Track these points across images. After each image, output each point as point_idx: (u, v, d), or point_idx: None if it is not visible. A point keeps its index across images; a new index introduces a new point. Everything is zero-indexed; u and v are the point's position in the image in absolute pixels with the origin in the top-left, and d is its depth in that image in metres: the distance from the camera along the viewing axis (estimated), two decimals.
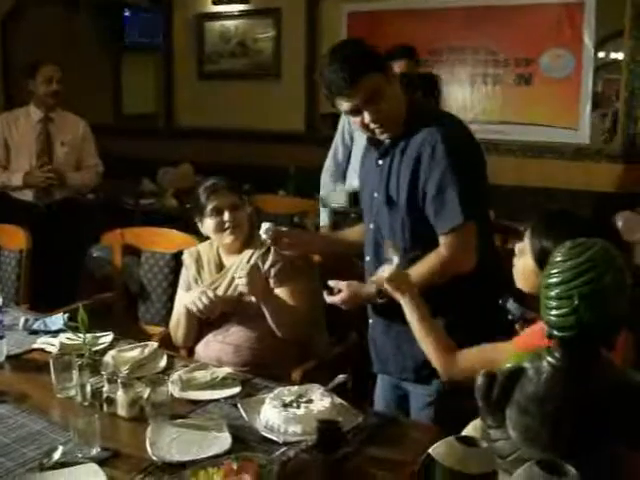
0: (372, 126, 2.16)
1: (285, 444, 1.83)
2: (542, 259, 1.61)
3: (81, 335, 2.28)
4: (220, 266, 2.72)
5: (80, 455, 1.79)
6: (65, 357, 2.14)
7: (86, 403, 2.04)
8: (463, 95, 5.18)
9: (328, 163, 3.92)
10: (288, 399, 2.00)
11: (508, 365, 1.37)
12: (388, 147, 2.23)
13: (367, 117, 2.14)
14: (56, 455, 1.78)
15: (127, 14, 6.84)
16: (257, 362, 2.53)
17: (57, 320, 2.64)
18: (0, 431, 1.92)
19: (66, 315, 2.67)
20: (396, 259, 2.05)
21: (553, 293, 1.28)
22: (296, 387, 2.09)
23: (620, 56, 4.71)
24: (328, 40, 5.51)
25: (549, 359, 1.31)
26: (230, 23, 5.94)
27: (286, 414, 1.92)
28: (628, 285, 1.28)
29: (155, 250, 3.26)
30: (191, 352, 2.69)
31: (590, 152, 4.82)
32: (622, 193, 4.49)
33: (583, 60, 4.79)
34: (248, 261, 2.59)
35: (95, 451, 1.80)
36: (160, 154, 5.90)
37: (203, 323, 2.63)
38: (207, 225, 2.67)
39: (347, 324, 2.80)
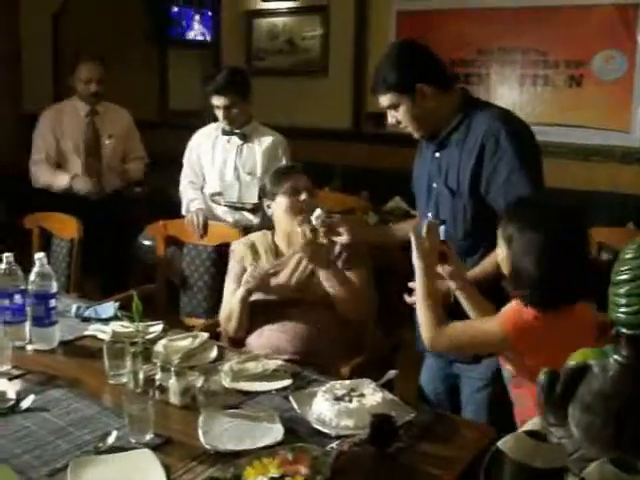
0: (398, 126, 2.33)
1: (337, 437, 1.82)
2: (509, 245, 1.85)
3: (134, 323, 2.30)
4: (277, 255, 2.75)
5: (134, 441, 1.81)
6: (118, 344, 2.16)
7: (139, 390, 2.05)
8: (512, 96, 5.12)
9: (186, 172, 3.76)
10: (340, 393, 2.00)
11: (572, 362, 1.35)
12: (443, 140, 2.30)
13: (389, 119, 2.34)
14: (110, 439, 1.80)
15: (175, 9, 6.90)
16: (310, 352, 2.55)
17: (108, 308, 2.67)
18: (55, 414, 1.95)
19: (117, 303, 2.70)
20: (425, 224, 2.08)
21: (623, 290, 1.26)
22: (348, 381, 2.09)
23: None
24: (376, 39, 5.51)
25: (616, 357, 1.29)
26: (278, 20, 5.95)
27: (338, 407, 1.92)
28: None
29: (198, 242, 3.36)
30: (236, 343, 2.71)
31: None
32: None
33: (637, 62, 4.71)
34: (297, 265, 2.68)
35: (148, 437, 1.82)
36: None
37: (258, 314, 2.65)
38: (279, 203, 2.70)
39: (396, 320, 2.80)
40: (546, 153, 4.84)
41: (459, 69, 5.31)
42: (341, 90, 5.60)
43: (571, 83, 4.97)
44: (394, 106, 2.28)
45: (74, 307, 2.70)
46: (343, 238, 2.56)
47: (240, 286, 2.65)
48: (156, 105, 7.10)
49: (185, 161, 3.69)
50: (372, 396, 1.99)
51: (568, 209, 1.91)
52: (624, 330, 1.27)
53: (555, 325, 1.80)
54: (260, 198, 2.94)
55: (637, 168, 4.71)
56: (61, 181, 3.93)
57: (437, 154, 2.33)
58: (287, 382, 2.17)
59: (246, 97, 3.48)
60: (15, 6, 6.06)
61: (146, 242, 4.16)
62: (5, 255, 2.38)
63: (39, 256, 2.36)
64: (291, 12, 5.89)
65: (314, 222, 2.53)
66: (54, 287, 2.39)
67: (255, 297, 2.65)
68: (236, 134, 3.51)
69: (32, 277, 2.35)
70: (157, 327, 2.55)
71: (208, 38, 6.45)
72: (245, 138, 3.53)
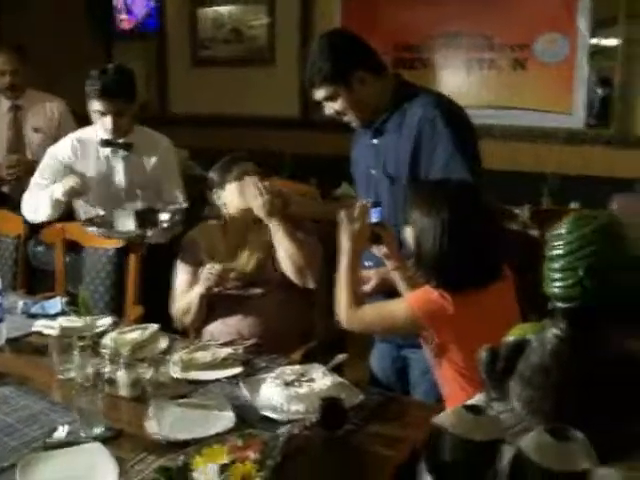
0: (336, 116, 2.33)
1: (288, 422, 1.83)
2: (412, 228, 1.93)
3: (81, 318, 2.29)
4: (230, 241, 2.76)
5: (84, 435, 1.79)
6: (65, 339, 2.14)
7: (88, 384, 2.03)
8: (458, 80, 5.17)
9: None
10: (290, 378, 2.02)
11: (511, 337, 1.38)
12: (379, 126, 2.32)
13: (326, 110, 2.33)
14: (60, 435, 1.79)
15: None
16: (270, 336, 2.59)
17: (55, 304, 2.64)
18: (3, 412, 1.93)
19: (64, 299, 2.67)
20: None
21: (557, 265, 1.29)
22: (297, 366, 2.11)
23: (615, 42, 4.71)
24: (322, 25, 5.51)
25: (554, 330, 1.32)
26: (223, 9, 5.91)
27: (288, 393, 1.93)
28: (634, 257, 1.29)
29: (98, 246, 3.03)
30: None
31: (584, 137, 4.83)
32: (615, 178, 4.50)
33: (577, 45, 4.79)
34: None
35: (98, 430, 1.81)
36: None
37: (216, 302, 2.67)
38: (230, 190, 2.70)
39: None
40: (493, 136, 4.99)
41: (406, 54, 5.35)
42: (288, 78, 5.59)
43: (515, 66, 5.03)
44: (332, 97, 2.28)
45: (20, 304, 2.66)
46: (291, 206, 2.60)
47: (194, 278, 2.68)
48: None
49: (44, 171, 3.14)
50: (321, 380, 2.01)
51: (464, 189, 1.97)
52: (560, 304, 1.30)
53: (466, 303, 1.85)
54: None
55: (580, 149, 4.79)
56: None
57: (374, 141, 2.35)
58: (237, 370, 2.18)
59: (133, 102, 3.07)
60: None
61: (39, 248, 3.44)
62: None
63: None
64: (236, 0, 5.85)
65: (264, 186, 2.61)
66: None
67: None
68: (118, 145, 3.08)
69: None
70: (106, 320, 2.53)
71: (153, 29, 6.36)
72: (130, 147, 3.10)
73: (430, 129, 2.18)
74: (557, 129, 4.91)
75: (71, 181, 2.92)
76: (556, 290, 1.29)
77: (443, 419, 1.09)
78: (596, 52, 4.85)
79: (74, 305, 2.47)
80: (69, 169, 3.07)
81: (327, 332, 2.74)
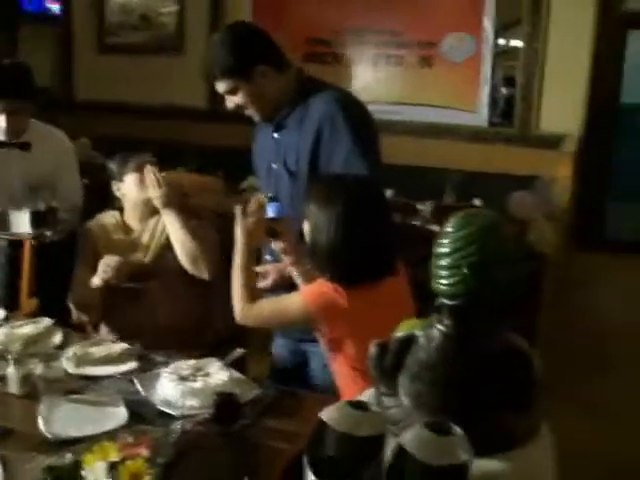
0: (237, 109, 2.32)
1: (182, 417, 1.82)
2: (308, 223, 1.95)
3: None
4: (128, 233, 2.75)
5: None
6: None
7: None
8: (367, 75, 5.22)
9: None
10: (185, 373, 2.00)
11: (400, 333, 1.41)
12: (281, 121, 2.32)
13: (228, 104, 2.32)
14: None
15: None
16: (169, 328, 2.58)
17: None
18: None
19: None
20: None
21: (443, 262, 1.32)
22: (193, 361, 2.08)
23: (518, 43, 4.85)
24: (232, 16, 5.46)
25: (439, 327, 1.35)
26: None
27: (183, 387, 1.92)
28: (514, 255, 1.33)
29: None
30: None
31: (487, 135, 4.96)
32: (517, 175, 4.64)
33: (483, 45, 4.91)
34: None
35: None
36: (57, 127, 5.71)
37: (115, 297, 2.63)
38: (128, 181, 2.71)
39: None
40: (399, 132, 5.05)
41: (317, 48, 5.36)
42: (197, 68, 5.50)
43: (423, 64, 5.11)
44: (233, 90, 2.27)
45: None
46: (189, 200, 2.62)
47: (92, 270, 2.62)
48: None
49: None
50: (217, 375, 2.00)
51: (360, 183, 2.00)
52: (445, 301, 1.33)
53: (359, 298, 1.88)
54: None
55: (483, 147, 4.92)
56: None
57: (276, 135, 2.35)
58: (132, 365, 2.14)
59: (31, 100, 2.84)
60: None
61: None
62: None
63: None
64: None
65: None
66: None
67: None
68: (14, 145, 2.86)
69: None
70: None
71: (58, 13, 6.17)
72: (27, 147, 2.89)
73: (330, 125, 2.19)
74: (462, 126, 5.02)
75: None
76: (442, 287, 1.32)
77: (327, 414, 1.10)
78: (500, 52, 5.00)
79: None
80: None
81: (226, 325, 2.73)
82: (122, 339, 2.36)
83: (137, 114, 5.70)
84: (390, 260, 1.95)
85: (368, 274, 1.89)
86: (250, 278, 2.05)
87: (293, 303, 1.97)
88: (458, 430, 1.11)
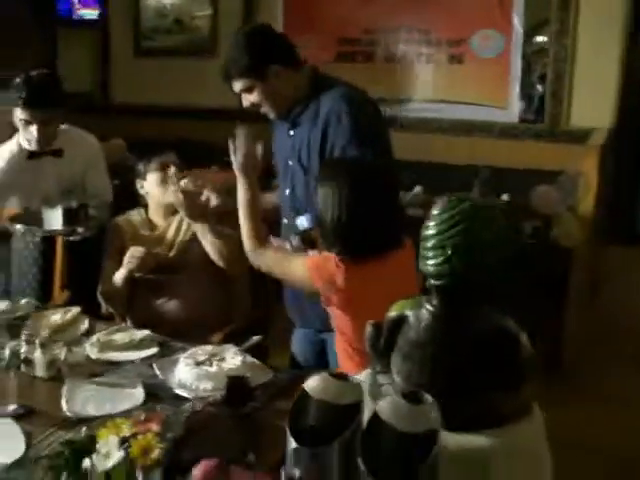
0: (252, 108, 2.41)
1: (196, 399, 1.91)
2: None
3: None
4: (152, 229, 2.86)
5: None
6: None
7: (3, 363, 2.08)
8: (396, 74, 5.27)
9: None
10: (201, 358, 2.08)
11: (392, 313, 1.47)
12: (296, 118, 2.41)
13: (244, 102, 2.42)
14: None
15: None
16: (194, 319, 2.69)
17: None
18: None
19: None
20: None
21: (429, 244, 1.37)
22: (210, 347, 2.17)
23: (547, 39, 4.85)
24: (264, 17, 5.56)
25: (428, 307, 1.41)
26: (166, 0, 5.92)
27: (198, 371, 2.00)
28: (504, 239, 1.38)
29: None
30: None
31: (517, 131, 4.97)
32: (546, 170, 4.64)
33: (513, 42, 4.92)
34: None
35: (12, 408, 1.86)
36: (96, 131, 5.87)
37: (142, 288, 2.75)
38: (151, 180, 2.81)
39: (268, 289, 2.90)
40: (430, 129, 5.08)
41: (346, 47, 5.42)
42: None
43: (453, 61, 5.14)
44: (248, 89, 2.36)
45: None
46: (212, 202, 2.67)
47: (119, 263, 2.74)
48: None
49: None
50: (232, 360, 2.08)
51: (360, 162, 2.11)
52: (433, 281, 1.39)
53: (363, 274, 1.94)
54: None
55: (513, 143, 4.93)
56: None
57: (291, 132, 2.44)
58: (153, 351, 2.24)
59: (60, 110, 2.94)
60: None
61: None
62: None
63: None
64: None
65: (184, 186, 2.66)
66: None
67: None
68: (47, 154, 2.98)
69: None
70: (28, 304, 2.56)
71: (96, 18, 6.34)
72: (60, 154, 3.01)
73: (335, 120, 2.27)
74: (492, 123, 5.03)
75: None
76: (428, 268, 1.38)
77: (309, 384, 1.17)
78: (530, 49, 5.01)
79: None
80: None
81: (247, 316, 2.83)
82: (147, 329, 2.46)
83: (171, 116, 5.83)
84: (393, 234, 2.01)
85: (372, 248, 1.95)
86: (256, 215, 2.18)
87: (298, 266, 2.07)
88: (429, 398, 1.17)
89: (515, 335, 1.43)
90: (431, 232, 1.38)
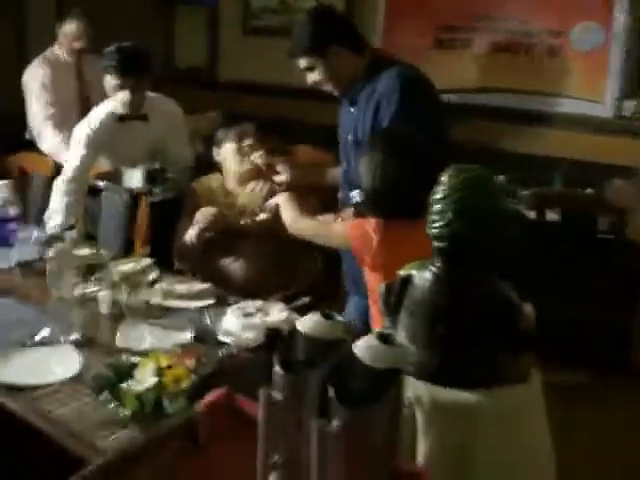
0: (315, 85, 2.56)
1: (234, 346, 2.08)
2: None
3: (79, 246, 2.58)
4: (227, 195, 3.06)
5: (62, 339, 2.07)
6: (60, 262, 2.43)
7: (73, 300, 2.32)
8: (491, 63, 5.28)
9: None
10: (249, 310, 2.25)
11: (401, 273, 1.59)
12: (355, 96, 2.53)
13: (308, 80, 2.56)
14: (39, 336, 2.07)
15: None
16: (258, 280, 2.88)
17: (67, 235, 2.92)
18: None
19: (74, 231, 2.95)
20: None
21: (434, 208, 1.49)
22: (259, 302, 2.34)
23: None
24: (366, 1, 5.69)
25: (431, 267, 1.52)
26: None
27: (243, 321, 2.17)
28: (503, 208, 1.48)
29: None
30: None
31: (612, 125, 4.89)
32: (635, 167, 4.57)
33: (613, 35, 4.85)
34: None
35: (74, 337, 2.08)
36: (201, 105, 6.14)
37: (213, 247, 2.94)
38: (227, 148, 3.01)
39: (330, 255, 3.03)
40: (525, 121, 5.07)
41: (445, 35, 5.47)
42: None
43: (550, 52, 5.11)
44: (311, 68, 2.51)
45: (35, 233, 2.96)
46: (282, 177, 2.82)
47: (190, 223, 2.94)
48: (161, 61, 7.33)
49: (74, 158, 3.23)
50: (277, 315, 2.24)
51: (397, 133, 2.23)
52: (436, 243, 1.50)
53: (391, 236, 2.06)
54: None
55: (605, 138, 4.86)
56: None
57: (351, 109, 2.58)
58: (209, 302, 2.43)
59: (146, 79, 3.23)
60: None
61: None
62: None
63: (2, 183, 2.62)
64: None
65: (255, 159, 2.82)
66: (13, 212, 2.65)
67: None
68: (134, 117, 3.25)
69: None
70: (108, 253, 2.80)
71: None
72: (146, 118, 3.29)
73: (387, 98, 2.39)
74: (587, 117, 4.98)
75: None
76: (432, 230, 1.50)
77: (301, 322, 1.31)
78: (631, 42, 4.91)
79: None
80: (92, 150, 3.20)
81: (309, 283, 2.98)
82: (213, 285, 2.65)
83: (272, 94, 6.03)
84: (424, 203, 2.11)
85: (403, 213, 2.05)
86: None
87: (338, 227, 2.25)
88: (400, 341, 1.28)
89: (514, 303, 1.52)
90: (437, 197, 1.49)
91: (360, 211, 2.35)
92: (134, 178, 3.07)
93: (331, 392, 1.16)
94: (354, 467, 1.13)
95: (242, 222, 2.95)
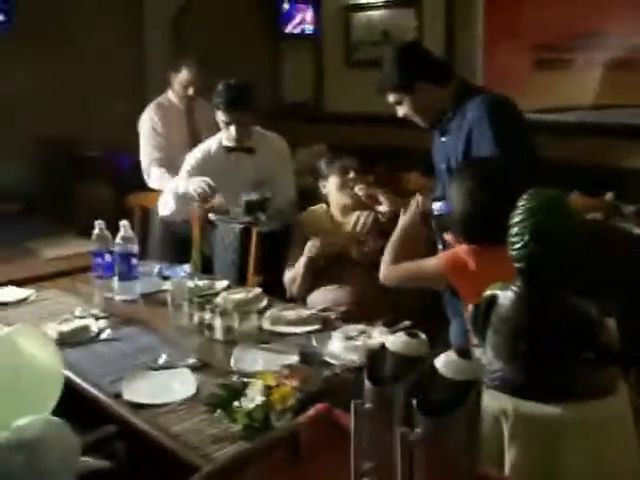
0: (406, 118, 2.69)
1: (338, 366, 2.21)
2: None
3: (196, 277, 2.79)
4: (333, 224, 3.24)
5: (179, 363, 2.27)
6: (178, 293, 2.65)
7: (191, 327, 2.52)
8: (595, 82, 5.24)
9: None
10: (352, 334, 2.39)
11: (486, 294, 1.68)
12: (444, 127, 2.66)
13: (398, 113, 2.70)
14: (161, 360, 2.27)
15: (286, 5, 7.36)
16: (359, 305, 3.03)
17: (183, 268, 3.16)
18: (125, 343, 2.47)
19: (191, 265, 3.19)
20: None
21: (512, 231, 1.59)
22: (362, 325, 2.47)
23: None
24: (465, 27, 5.78)
25: (513, 287, 1.62)
26: (375, 13, 6.31)
27: (346, 344, 2.31)
28: (574, 230, 1.55)
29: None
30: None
31: None
32: None
33: None
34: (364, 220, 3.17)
35: (190, 361, 2.28)
36: (308, 137, 6.36)
37: (319, 276, 3.12)
38: (332, 182, 3.19)
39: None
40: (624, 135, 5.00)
41: (545, 54, 5.48)
42: None
43: None
44: (399, 102, 2.65)
45: (156, 267, 3.21)
46: (382, 207, 2.96)
47: (300, 252, 3.12)
48: (270, 96, 7.64)
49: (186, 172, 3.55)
50: (378, 338, 2.36)
51: (482, 164, 2.31)
52: (516, 264, 1.59)
53: (485, 260, 2.11)
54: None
55: None
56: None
57: (443, 139, 2.71)
58: (315, 327, 2.58)
59: (252, 113, 3.49)
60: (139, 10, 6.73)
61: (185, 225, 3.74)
62: (97, 222, 2.93)
63: (123, 223, 2.88)
64: (387, 5, 6.22)
65: (357, 192, 2.97)
66: (135, 249, 2.90)
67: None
68: (242, 150, 3.53)
69: (118, 240, 2.88)
70: (222, 284, 3.01)
71: (313, 33, 6.91)
72: (251, 151, 3.55)
73: (478, 126, 2.50)
74: None
75: (204, 184, 3.32)
76: (512, 252, 1.59)
77: (389, 339, 1.43)
78: None
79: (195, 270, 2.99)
80: (199, 174, 3.44)
81: (412, 308, 3.07)
82: (322, 311, 2.81)
83: (378, 123, 6.18)
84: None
85: (494, 237, 2.12)
86: (401, 249, 2.41)
87: (430, 262, 2.30)
88: (475, 355, 1.38)
89: (594, 318, 1.59)
90: (515, 220, 1.59)
91: (442, 223, 2.43)
92: (239, 210, 3.30)
93: (414, 403, 1.27)
94: (437, 472, 1.24)
95: (349, 248, 3.10)
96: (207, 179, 3.33)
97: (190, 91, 4.29)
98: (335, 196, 3.20)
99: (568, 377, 1.58)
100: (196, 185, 3.33)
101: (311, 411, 1.71)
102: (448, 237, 2.45)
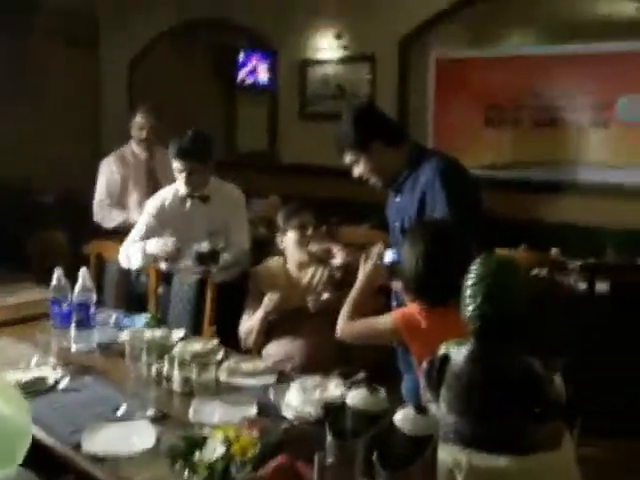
0: (362, 178, 2.79)
1: (296, 419, 2.26)
2: None
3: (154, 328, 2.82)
4: (289, 279, 3.27)
5: (138, 414, 2.29)
6: (136, 343, 2.67)
7: (149, 378, 2.55)
8: (542, 139, 5.48)
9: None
10: (309, 386, 2.44)
11: (440, 351, 1.77)
12: (399, 187, 2.76)
13: (354, 173, 2.79)
14: (120, 411, 2.30)
15: (241, 56, 7.51)
16: (314, 358, 3.07)
17: (140, 319, 3.18)
18: (83, 393, 2.49)
19: (149, 315, 3.21)
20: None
21: (466, 293, 1.68)
22: (318, 378, 2.53)
23: None
24: (417, 84, 5.99)
25: (466, 345, 1.70)
26: (330, 67, 6.48)
27: (303, 397, 2.36)
28: (524, 291, 1.66)
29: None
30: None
31: None
32: None
33: None
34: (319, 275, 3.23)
35: (150, 412, 2.30)
36: (264, 187, 6.44)
37: (274, 328, 3.18)
38: (290, 238, 3.24)
39: None
40: (580, 192, 5.18)
41: (494, 114, 5.71)
42: None
43: (596, 125, 5.29)
44: (355, 162, 2.74)
45: (113, 317, 3.23)
46: (336, 260, 3.04)
47: (259, 306, 3.16)
48: (224, 145, 7.74)
49: (141, 224, 3.67)
50: (334, 390, 2.42)
51: (435, 228, 2.37)
52: (469, 325, 1.69)
53: (437, 319, 2.21)
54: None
55: None
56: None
57: (397, 199, 2.81)
58: (272, 379, 2.63)
59: (207, 163, 3.58)
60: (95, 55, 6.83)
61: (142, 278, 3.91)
62: (56, 271, 2.95)
63: (83, 272, 2.91)
64: (342, 61, 6.40)
65: (312, 249, 3.05)
66: (93, 298, 2.92)
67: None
68: (197, 197, 3.62)
69: (77, 289, 2.90)
70: (179, 333, 3.04)
71: (268, 86, 7.05)
72: (206, 199, 3.65)
73: (431, 190, 2.61)
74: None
75: (170, 244, 3.45)
76: (466, 313, 1.68)
77: (350, 396, 1.50)
78: None
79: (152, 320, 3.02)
80: (157, 222, 3.60)
81: (366, 360, 3.14)
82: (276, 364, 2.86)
83: (330, 175, 6.31)
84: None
85: (445, 296, 2.23)
86: (359, 305, 2.48)
87: (384, 320, 2.37)
88: (431, 410, 1.46)
89: (542, 375, 1.68)
90: (469, 282, 1.68)
91: (393, 270, 2.51)
92: (189, 260, 3.40)
93: (375, 456, 1.34)
94: None
95: (304, 302, 3.15)
96: (172, 239, 3.44)
97: (144, 134, 4.46)
98: (293, 252, 3.26)
99: (516, 431, 1.66)
100: (162, 246, 3.44)
101: (273, 462, 1.77)
102: (397, 286, 2.54)
